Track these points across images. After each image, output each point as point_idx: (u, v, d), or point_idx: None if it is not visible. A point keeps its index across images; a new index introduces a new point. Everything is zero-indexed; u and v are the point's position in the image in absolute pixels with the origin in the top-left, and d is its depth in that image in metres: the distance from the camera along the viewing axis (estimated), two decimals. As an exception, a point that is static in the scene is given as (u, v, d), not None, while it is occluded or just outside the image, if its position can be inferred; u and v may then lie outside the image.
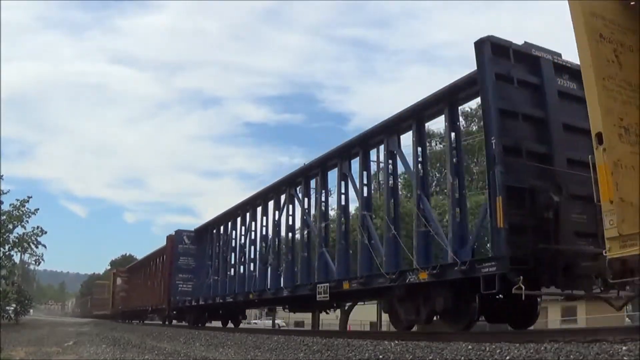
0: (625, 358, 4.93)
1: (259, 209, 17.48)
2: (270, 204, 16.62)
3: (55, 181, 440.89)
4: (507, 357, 5.86)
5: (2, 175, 24.77)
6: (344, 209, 12.89)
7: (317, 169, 13.87)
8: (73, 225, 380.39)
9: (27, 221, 25.07)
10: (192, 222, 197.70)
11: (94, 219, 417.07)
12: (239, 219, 19.12)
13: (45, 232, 25.97)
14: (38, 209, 25.55)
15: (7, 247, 24.99)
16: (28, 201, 25.15)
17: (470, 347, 6.70)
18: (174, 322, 26.04)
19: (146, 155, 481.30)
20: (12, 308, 28.18)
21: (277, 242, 16.00)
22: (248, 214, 18.17)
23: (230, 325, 21.44)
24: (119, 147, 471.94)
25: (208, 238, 22.17)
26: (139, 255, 56.27)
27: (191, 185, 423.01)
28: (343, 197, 12.77)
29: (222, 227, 20.80)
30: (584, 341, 5.74)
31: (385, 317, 42.14)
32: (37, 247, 25.73)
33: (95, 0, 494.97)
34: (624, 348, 5.14)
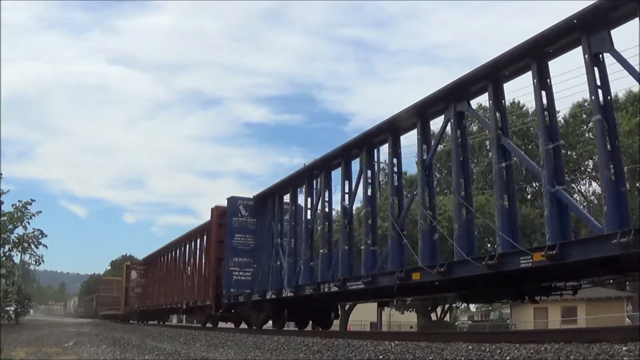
0: (625, 358, 4.92)
1: (385, 147, 11.67)
2: (409, 137, 11.43)
3: (55, 182, 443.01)
4: (507, 358, 5.86)
5: (1, 175, 24.87)
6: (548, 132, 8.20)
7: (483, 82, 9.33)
8: (73, 225, 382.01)
9: (29, 222, 25.08)
10: (192, 222, 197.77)
11: (94, 219, 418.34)
12: (335, 173, 13.49)
13: (46, 235, 25.92)
14: (40, 212, 25.57)
15: (7, 248, 24.99)
16: (30, 203, 25.18)
17: (470, 347, 6.70)
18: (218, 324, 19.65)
19: (146, 156, 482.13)
20: (12, 308, 28.19)
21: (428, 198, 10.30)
22: (361, 160, 12.38)
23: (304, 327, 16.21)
24: (118, 148, 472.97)
25: (275, 207, 16.41)
26: (139, 255, 55.03)
27: (191, 185, 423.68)
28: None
29: (302, 188, 14.89)
30: (584, 341, 5.74)
31: (385, 317, 42.15)
32: (37, 248, 25.71)
33: (95, 0, 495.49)
34: (624, 348, 5.14)
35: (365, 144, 12.20)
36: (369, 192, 12.06)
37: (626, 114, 30.06)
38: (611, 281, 10.50)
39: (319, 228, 14.29)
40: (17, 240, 25.07)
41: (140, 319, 31.11)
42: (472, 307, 55.28)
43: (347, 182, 12.95)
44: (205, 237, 20.34)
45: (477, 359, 6.18)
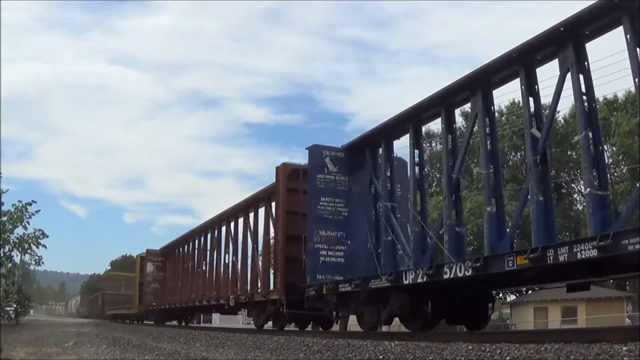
0: (625, 358, 4.93)
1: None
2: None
3: (55, 182, 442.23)
4: (507, 358, 5.86)
5: (1, 175, 24.96)
6: None
7: None
8: (73, 225, 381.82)
9: (28, 222, 25.10)
10: (192, 222, 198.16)
11: (94, 219, 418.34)
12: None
13: (47, 236, 25.91)
14: (39, 210, 25.60)
15: (7, 248, 25.00)
16: (31, 204, 25.19)
17: (470, 347, 6.70)
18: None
19: (146, 156, 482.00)
20: (12, 308, 28.22)
21: None
22: (521, 80, 8.75)
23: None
24: (118, 148, 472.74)
25: (381, 157, 12.09)
26: None
27: (191, 185, 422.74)
28: None
29: (444, 118, 10.15)
30: (584, 341, 5.74)
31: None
32: (37, 248, 25.71)
33: (95, 0, 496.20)
34: (624, 348, 5.14)
35: (524, 62, 8.81)
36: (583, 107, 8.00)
37: (626, 114, 30.07)
38: None
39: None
40: (17, 241, 25.09)
41: (160, 320, 26.82)
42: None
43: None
44: (259, 211, 16.36)
45: (477, 359, 6.19)
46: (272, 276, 15.29)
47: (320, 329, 14.62)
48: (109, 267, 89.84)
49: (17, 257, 26.46)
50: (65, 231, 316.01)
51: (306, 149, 12.94)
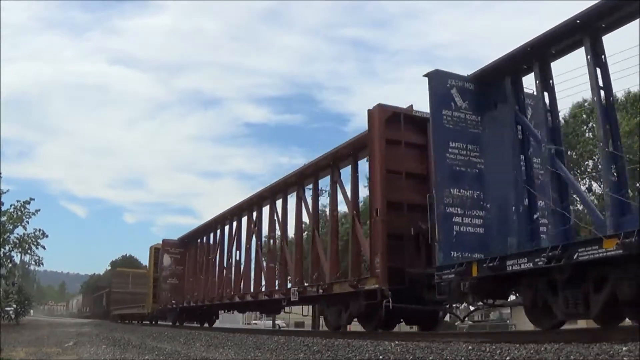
0: (625, 358, 4.93)
1: None
2: None
3: (55, 182, 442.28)
4: (507, 358, 5.86)
5: (1, 175, 24.98)
6: None
7: None
8: (73, 225, 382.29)
9: (28, 222, 25.11)
10: (192, 223, 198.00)
11: (94, 219, 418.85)
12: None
13: (47, 236, 25.89)
14: (39, 210, 25.60)
15: (7, 248, 25.01)
16: (29, 203, 25.20)
17: (470, 347, 6.70)
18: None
19: (146, 156, 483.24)
20: (12, 309, 28.24)
21: None
22: None
23: None
24: (118, 148, 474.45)
25: (537, 82, 8.25)
26: (140, 256, 52.19)
27: (191, 185, 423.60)
28: None
29: None
30: (584, 341, 5.74)
31: (385, 317, 42.23)
32: (37, 248, 25.71)
33: (95, 0, 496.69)
34: (624, 348, 5.14)
35: None
36: None
37: (626, 114, 30.09)
38: None
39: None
40: (17, 241, 25.09)
41: (179, 320, 23.71)
42: (472, 307, 55.06)
43: None
44: (320, 183, 13.52)
45: (477, 359, 6.19)
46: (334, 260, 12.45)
47: (417, 329, 11.61)
48: (109, 267, 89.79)
49: (17, 257, 26.52)
50: (65, 231, 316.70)
51: (424, 75, 9.33)
